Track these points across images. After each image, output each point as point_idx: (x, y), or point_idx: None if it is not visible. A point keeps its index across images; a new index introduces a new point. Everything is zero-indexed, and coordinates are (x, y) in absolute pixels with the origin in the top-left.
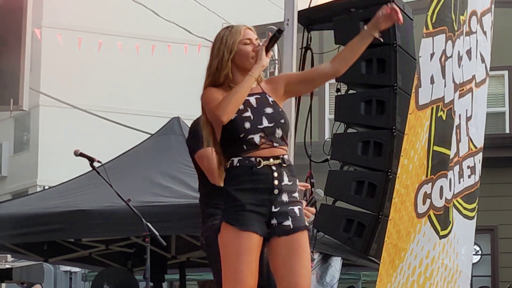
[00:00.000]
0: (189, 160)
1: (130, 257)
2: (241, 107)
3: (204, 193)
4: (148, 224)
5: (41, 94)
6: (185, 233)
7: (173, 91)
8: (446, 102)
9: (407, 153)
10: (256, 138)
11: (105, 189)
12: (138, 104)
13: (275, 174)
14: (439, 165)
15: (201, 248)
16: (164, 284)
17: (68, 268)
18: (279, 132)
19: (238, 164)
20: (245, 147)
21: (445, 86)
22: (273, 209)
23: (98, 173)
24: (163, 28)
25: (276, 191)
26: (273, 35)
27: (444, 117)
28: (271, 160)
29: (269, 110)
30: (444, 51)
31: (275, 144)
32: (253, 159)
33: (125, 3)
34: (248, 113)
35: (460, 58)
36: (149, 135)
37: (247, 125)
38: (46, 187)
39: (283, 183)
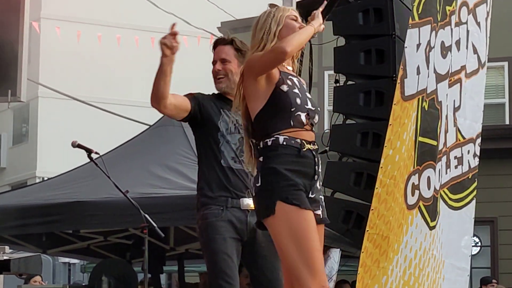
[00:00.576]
0: (187, 151)
1: (128, 248)
2: (290, 83)
3: (200, 180)
4: (146, 215)
5: (40, 85)
6: (183, 224)
7: (172, 82)
8: (428, 92)
9: (392, 144)
10: (303, 116)
11: (103, 181)
12: (137, 95)
13: (316, 160)
14: (424, 155)
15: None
16: (163, 276)
17: (67, 259)
18: (316, 118)
19: (284, 143)
20: (292, 123)
21: (428, 76)
22: (310, 195)
23: (96, 164)
24: (162, 20)
25: (315, 177)
26: None
27: (426, 107)
28: (311, 145)
29: (308, 95)
30: (429, 42)
31: (313, 129)
32: (298, 140)
33: None
34: (297, 91)
35: (445, 49)
36: (148, 126)
37: (298, 101)
38: (46, 179)
39: (319, 170)
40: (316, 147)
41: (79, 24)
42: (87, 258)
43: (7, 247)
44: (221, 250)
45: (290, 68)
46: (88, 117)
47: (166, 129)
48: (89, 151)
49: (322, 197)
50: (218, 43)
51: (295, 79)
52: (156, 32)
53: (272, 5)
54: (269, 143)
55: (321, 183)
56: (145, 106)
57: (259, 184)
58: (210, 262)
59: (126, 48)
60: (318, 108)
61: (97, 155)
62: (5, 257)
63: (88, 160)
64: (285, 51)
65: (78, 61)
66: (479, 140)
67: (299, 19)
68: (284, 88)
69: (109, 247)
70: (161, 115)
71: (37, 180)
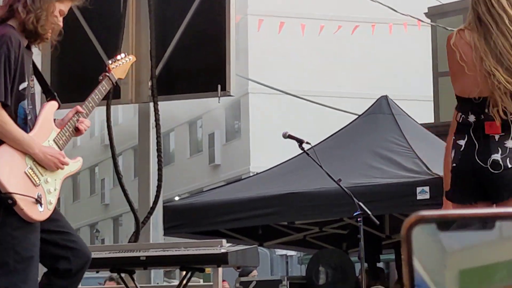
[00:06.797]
0: (399, 139)
1: (344, 238)
2: None
3: None
4: (360, 203)
5: (250, 81)
6: (398, 212)
7: (379, 71)
8: None
9: None
10: None
11: (316, 171)
12: (345, 86)
13: None
14: None
15: None
16: (380, 264)
17: (284, 251)
18: None
19: None
20: None
21: None
22: None
23: (308, 154)
24: (367, 9)
25: None
26: None
27: None
28: None
29: None
30: None
31: None
32: None
33: None
34: None
35: None
36: (357, 116)
37: None
38: (259, 173)
39: None
40: None
41: (282, 18)
42: (303, 250)
43: (224, 241)
44: None
45: None
46: (298, 111)
47: (376, 117)
48: (300, 142)
49: None
50: None
51: None
52: (360, 22)
53: None
54: None
55: None
56: (353, 96)
57: None
58: None
59: (328, 38)
60: None
61: (309, 145)
62: (223, 250)
63: (299, 151)
64: None
65: (283, 55)
66: None
67: None
68: None
69: (324, 238)
70: (369, 104)
71: (251, 175)
